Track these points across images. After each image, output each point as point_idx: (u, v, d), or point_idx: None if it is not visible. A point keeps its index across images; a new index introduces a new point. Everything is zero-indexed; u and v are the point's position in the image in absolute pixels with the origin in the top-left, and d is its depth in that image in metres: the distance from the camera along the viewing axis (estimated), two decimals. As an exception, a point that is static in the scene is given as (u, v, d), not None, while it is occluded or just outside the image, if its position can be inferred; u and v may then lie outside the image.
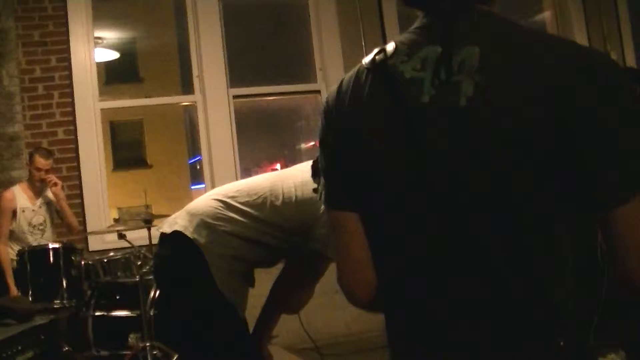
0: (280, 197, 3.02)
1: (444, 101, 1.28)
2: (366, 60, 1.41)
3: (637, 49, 8.24)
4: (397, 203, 1.34)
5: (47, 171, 5.81)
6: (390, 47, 1.39)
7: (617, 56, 8.00)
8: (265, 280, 3.27)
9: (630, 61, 8.15)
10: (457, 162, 1.26)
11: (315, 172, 2.85)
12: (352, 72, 1.43)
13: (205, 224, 3.03)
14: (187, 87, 7.16)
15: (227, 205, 3.07)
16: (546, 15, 8.42)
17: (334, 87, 1.46)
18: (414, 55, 1.35)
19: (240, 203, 3.06)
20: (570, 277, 1.30)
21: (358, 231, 1.42)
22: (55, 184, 5.77)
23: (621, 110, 1.24)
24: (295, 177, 3.03)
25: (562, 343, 1.25)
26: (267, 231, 3.02)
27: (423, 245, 1.32)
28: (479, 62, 1.27)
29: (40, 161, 5.79)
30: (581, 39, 7.92)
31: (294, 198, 2.96)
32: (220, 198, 3.12)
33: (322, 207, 2.50)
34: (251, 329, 3.26)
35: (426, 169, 1.29)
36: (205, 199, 3.19)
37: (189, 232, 3.02)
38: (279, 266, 3.28)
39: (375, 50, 1.40)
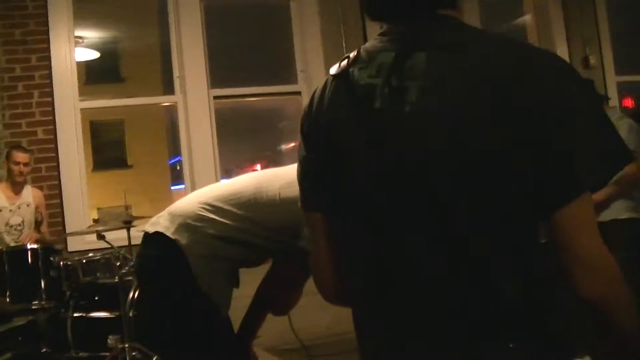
0: (265, 197, 3.01)
1: (392, 107, 1.32)
2: (333, 68, 1.47)
3: (616, 53, 8.31)
4: (361, 206, 1.39)
5: (25, 164, 5.79)
6: (353, 54, 1.44)
7: (596, 60, 8.05)
8: (249, 280, 3.26)
9: (609, 65, 8.21)
10: (408, 165, 1.30)
11: None
12: (325, 80, 1.50)
13: (187, 225, 3.02)
14: (168, 87, 7.14)
15: (211, 207, 3.06)
16: (526, 19, 8.47)
17: (311, 96, 1.54)
18: (371, 62, 1.39)
19: (224, 204, 3.05)
20: (530, 279, 1.30)
21: (326, 230, 1.50)
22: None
23: (570, 114, 1.23)
24: (280, 177, 3.03)
25: (514, 346, 1.25)
26: (252, 231, 3.02)
27: (388, 245, 1.35)
28: (425, 67, 1.29)
29: (18, 155, 5.77)
30: (561, 42, 7.98)
31: (278, 197, 2.95)
32: (203, 199, 3.11)
33: None
34: (235, 330, 3.25)
35: (382, 173, 1.33)
36: (189, 200, 3.18)
37: (169, 233, 3.01)
38: (264, 267, 3.28)
39: (342, 58, 1.46)
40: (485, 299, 1.26)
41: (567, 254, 1.23)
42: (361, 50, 1.44)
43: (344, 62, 1.44)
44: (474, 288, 1.26)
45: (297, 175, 1.56)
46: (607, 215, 5.18)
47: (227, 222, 3.02)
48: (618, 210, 5.26)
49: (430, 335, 1.31)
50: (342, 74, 1.43)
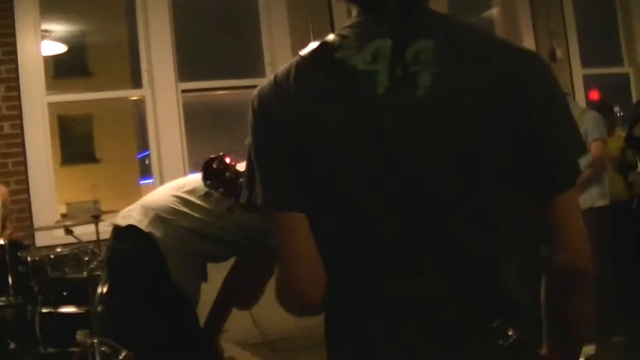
0: (236, 192, 3.01)
1: (400, 92, 1.28)
2: (305, 52, 1.37)
3: (582, 46, 8.37)
4: (351, 201, 1.32)
5: None
6: (333, 39, 1.37)
7: (562, 53, 8.12)
8: (214, 274, 3.26)
9: (575, 57, 8.28)
10: (419, 154, 1.27)
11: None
12: (289, 67, 1.38)
13: (161, 218, 3.01)
14: (136, 81, 7.09)
15: (183, 200, 3.06)
16: (494, 12, 8.51)
17: (265, 85, 1.40)
18: (363, 48, 1.33)
19: (195, 198, 3.05)
20: (527, 276, 1.35)
21: (307, 231, 1.36)
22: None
23: (559, 105, 1.34)
24: None
25: (511, 341, 1.26)
26: (223, 226, 3.02)
27: (378, 243, 1.31)
28: (433, 54, 1.29)
29: None
30: (528, 35, 8.03)
31: (242, 198, 2.93)
32: (175, 193, 3.11)
33: None
34: (202, 324, 3.25)
35: (386, 164, 1.28)
36: (161, 193, 3.17)
37: (143, 226, 3.00)
38: (229, 261, 3.28)
39: (317, 44, 1.37)
40: (483, 298, 1.28)
41: (566, 230, 1.34)
42: (341, 37, 1.36)
43: (323, 47, 1.35)
44: (474, 288, 1.28)
45: (258, 172, 1.38)
46: (583, 204, 5.34)
47: (199, 216, 3.01)
48: (593, 199, 5.47)
49: (428, 335, 1.30)
50: (326, 59, 1.34)
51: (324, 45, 1.36)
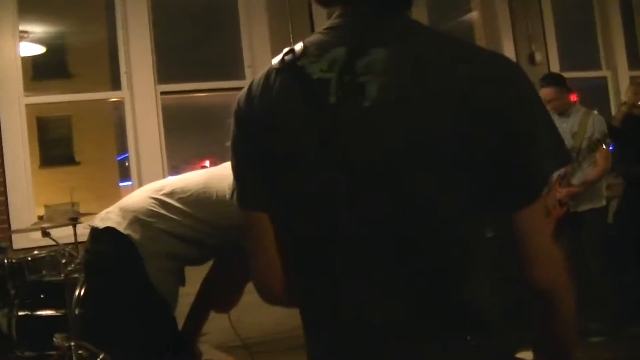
0: (214, 195, 3.00)
1: (349, 102, 1.29)
2: (275, 60, 1.41)
3: (561, 50, 8.43)
4: (311, 204, 1.35)
5: None
6: (298, 47, 1.39)
7: (541, 57, 8.17)
8: (192, 277, 3.25)
9: (554, 61, 8.34)
10: (365, 162, 1.27)
11: None
12: (263, 73, 1.43)
13: (139, 220, 3.00)
14: (116, 83, 7.07)
15: (161, 202, 3.05)
16: (473, 15, 8.55)
17: (244, 89, 1.46)
18: (322, 56, 1.35)
19: (173, 200, 3.04)
20: (486, 278, 1.33)
21: (269, 230, 1.44)
22: None
23: (529, 113, 1.27)
24: (230, 175, 3.02)
25: (472, 342, 1.27)
26: (201, 229, 3.01)
27: (336, 245, 1.33)
28: (385, 64, 1.28)
29: None
30: (507, 39, 8.08)
31: (227, 195, 2.93)
32: (153, 195, 3.09)
33: None
34: (180, 327, 3.24)
35: (338, 170, 1.29)
36: (139, 196, 3.16)
37: (122, 228, 2.99)
38: (207, 264, 3.27)
39: (285, 51, 1.40)
40: (444, 298, 1.27)
41: (526, 249, 1.28)
42: (308, 44, 1.40)
43: (289, 55, 1.39)
44: (434, 288, 1.27)
45: (234, 171, 1.49)
46: (584, 206, 5.48)
47: (177, 218, 3.00)
48: (597, 201, 5.56)
49: (386, 335, 1.30)
50: (289, 67, 1.37)
51: (289, 53, 1.40)
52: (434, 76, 1.25)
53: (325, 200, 1.32)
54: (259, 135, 1.39)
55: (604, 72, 9.21)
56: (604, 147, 5.54)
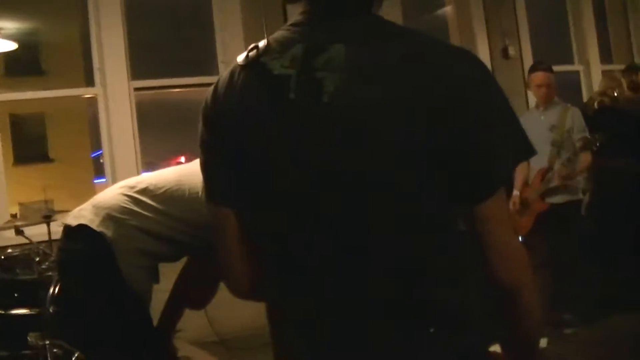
0: (187, 192, 3.00)
1: (308, 97, 1.30)
2: (240, 58, 1.42)
3: (534, 45, 8.48)
4: (274, 200, 1.36)
5: None
6: (262, 44, 1.41)
7: (515, 51, 8.21)
8: (166, 274, 3.25)
9: (528, 55, 8.38)
10: (324, 158, 1.28)
11: None
12: (228, 70, 1.45)
13: (112, 217, 2.99)
14: (89, 79, 7.02)
15: (134, 200, 3.04)
16: (447, 10, 8.58)
17: (212, 87, 1.47)
18: (284, 53, 1.36)
19: (146, 197, 3.03)
20: (452, 273, 1.34)
21: (236, 226, 1.46)
22: None
23: (488, 109, 1.27)
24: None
25: (441, 337, 1.28)
26: (174, 226, 3.00)
27: (301, 243, 1.34)
28: (343, 60, 1.28)
29: None
30: (481, 34, 8.11)
31: (200, 192, 2.92)
32: (126, 192, 3.08)
33: None
34: (155, 324, 3.23)
35: (298, 166, 1.31)
36: (111, 193, 3.14)
37: (95, 225, 2.97)
38: (181, 260, 3.26)
39: (249, 48, 1.42)
40: (409, 294, 1.28)
41: (487, 244, 1.28)
42: (271, 40, 1.41)
43: (253, 52, 1.40)
44: (398, 285, 1.28)
45: (202, 167, 1.50)
46: (562, 198, 5.55)
47: (150, 215, 3.00)
48: (571, 194, 5.63)
49: (351, 332, 1.31)
50: (253, 63, 1.39)
51: (253, 49, 1.41)
52: (391, 73, 1.25)
53: (285, 196, 1.33)
54: (225, 133, 1.41)
55: (576, 67, 9.28)
56: (594, 148, 5.60)
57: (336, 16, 1.36)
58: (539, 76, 5.77)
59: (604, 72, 8.59)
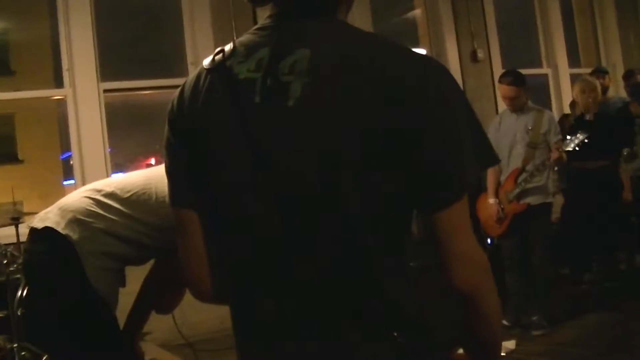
0: (154, 195, 2.99)
1: (273, 102, 1.30)
2: (206, 61, 1.42)
3: (503, 48, 8.56)
4: (235, 203, 1.36)
5: None
6: (228, 47, 1.41)
7: (483, 54, 8.28)
8: (133, 277, 3.24)
9: (496, 58, 8.46)
10: (289, 162, 1.28)
11: None
12: (194, 73, 1.45)
13: (78, 220, 2.98)
14: (59, 81, 6.98)
15: (99, 203, 3.03)
16: (416, 13, 8.63)
17: (178, 89, 1.47)
18: (250, 57, 1.36)
19: (113, 200, 3.02)
20: (410, 275, 1.34)
21: (197, 228, 1.46)
22: None
23: (448, 115, 1.27)
24: None
25: (399, 340, 1.28)
26: (140, 229, 3.00)
27: (256, 245, 1.35)
28: (308, 64, 1.29)
29: None
30: (450, 37, 8.17)
31: (167, 197, 2.92)
32: (91, 195, 3.07)
33: None
34: (121, 327, 3.22)
35: (261, 170, 1.30)
36: (77, 195, 3.13)
37: (60, 228, 2.96)
38: (150, 263, 3.26)
39: (215, 51, 1.42)
40: (363, 297, 1.28)
41: (446, 251, 1.28)
42: (237, 44, 1.41)
43: (219, 56, 1.40)
44: (351, 287, 1.28)
45: (166, 169, 1.50)
46: (536, 200, 5.60)
47: (116, 218, 2.99)
48: (545, 195, 5.68)
49: (303, 334, 1.32)
50: (218, 67, 1.39)
51: (219, 53, 1.42)
52: (354, 77, 1.25)
53: (248, 200, 1.34)
54: (189, 136, 1.41)
55: (544, 70, 9.39)
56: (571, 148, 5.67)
57: (302, 20, 1.36)
58: (502, 89, 5.85)
59: (582, 76, 8.69)
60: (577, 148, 5.65)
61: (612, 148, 6.68)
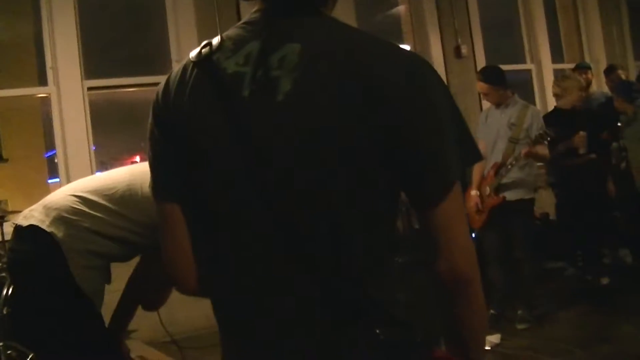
0: (139, 192, 2.99)
1: (262, 96, 1.30)
2: (193, 54, 1.41)
3: (487, 44, 8.59)
4: (221, 197, 1.36)
5: None
6: (216, 41, 1.40)
7: (467, 50, 8.30)
8: (119, 274, 3.24)
9: (480, 54, 8.49)
10: (278, 157, 1.28)
11: None
12: (180, 66, 1.44)
13: (63, 218, 2.97)
14: (42, 79, 6.95)
15: (84, 200, 3.02)
16: (401, 9, 8.64)
17: (163, 81, 1.46)
18: (238, 51, 1.36)
19: (97, 197, 3.02)
20: (394, 273, 1.35)
21: (183, 223, 1.46)
22: None
23: (437, 110, 1.28)
24: None
25: (382, 337, 1.28)
26: (126, 227, 2.99)
27: (241, 240, 1.35)
28: (298, 59, 1.29)
29: None
30: (434, 33, 8.19)
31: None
32: (76, 193, 3.06)
33: None
34: (106, 325, 3.22)
35: (249, 165, 1.30)
36: (62, 193, 3.12)
37: (45, 226, 2.95)
38: (134, 260, 3.25)
39: (202, 44, 1.41)
40: (348, 293, 1.28)
41: (445, 240, 1.29)
42: (225, 38, 1.40)
43: (206, 49, 1.40)
44: (337, 284, 1.28)
45: (149, 161, 1.49)
46: (514, 195, 5.60)
47: (101, 216, 2.98)
48: (525, 192, 5.69)
49: (287, 331, 1.32)
50: (205, 60, 1.38)
51: (206, 46, 1.41)
52: (342, 73, 1.26)
53: (234, 195, 1.33)
54: (174, 129, 1.40)
55: (528, 65, 9.42)
56: (545, 142, 5.67)
57: (290, 15, 1.36)
58: (479, 85, 5.90)
59: (566, 72, 8.72)
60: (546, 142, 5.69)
61: (600, 142, 6.73)
